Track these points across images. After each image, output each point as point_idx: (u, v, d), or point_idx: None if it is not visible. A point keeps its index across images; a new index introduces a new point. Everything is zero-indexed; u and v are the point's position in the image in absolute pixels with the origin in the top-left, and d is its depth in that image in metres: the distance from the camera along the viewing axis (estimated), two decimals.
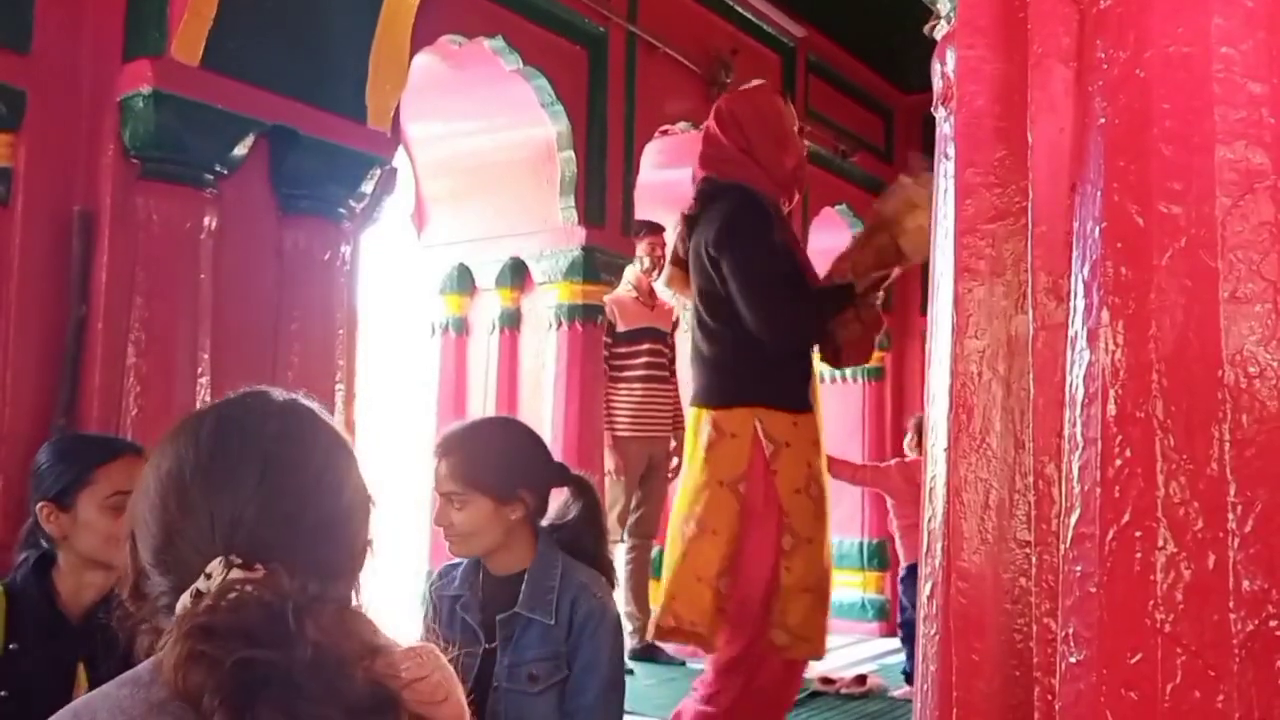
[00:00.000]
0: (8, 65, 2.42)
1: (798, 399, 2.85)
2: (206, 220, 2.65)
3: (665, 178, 5.01)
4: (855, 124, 6.09)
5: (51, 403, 2.44)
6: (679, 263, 3.04)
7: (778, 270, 2.81)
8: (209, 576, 0.83)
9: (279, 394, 0.98)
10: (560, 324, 4.32)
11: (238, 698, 0.77)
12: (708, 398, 2.85)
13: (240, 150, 2.69)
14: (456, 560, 2.06)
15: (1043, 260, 1.30)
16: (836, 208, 6.03)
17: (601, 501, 2.18)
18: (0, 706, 1.79)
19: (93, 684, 1.72)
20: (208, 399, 2.60)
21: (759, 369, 2.79)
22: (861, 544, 6.13)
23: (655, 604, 5.22)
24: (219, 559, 0.84)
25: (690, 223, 2.97)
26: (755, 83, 3.49)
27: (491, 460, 1.97)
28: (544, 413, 4.20)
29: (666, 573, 2.88)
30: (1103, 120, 1.17)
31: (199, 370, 2.59)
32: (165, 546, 0.89)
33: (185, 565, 0.86)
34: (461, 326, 4.59)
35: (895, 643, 5.59)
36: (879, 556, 6.13)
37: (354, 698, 0.80)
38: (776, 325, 2.76)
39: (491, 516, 1.94)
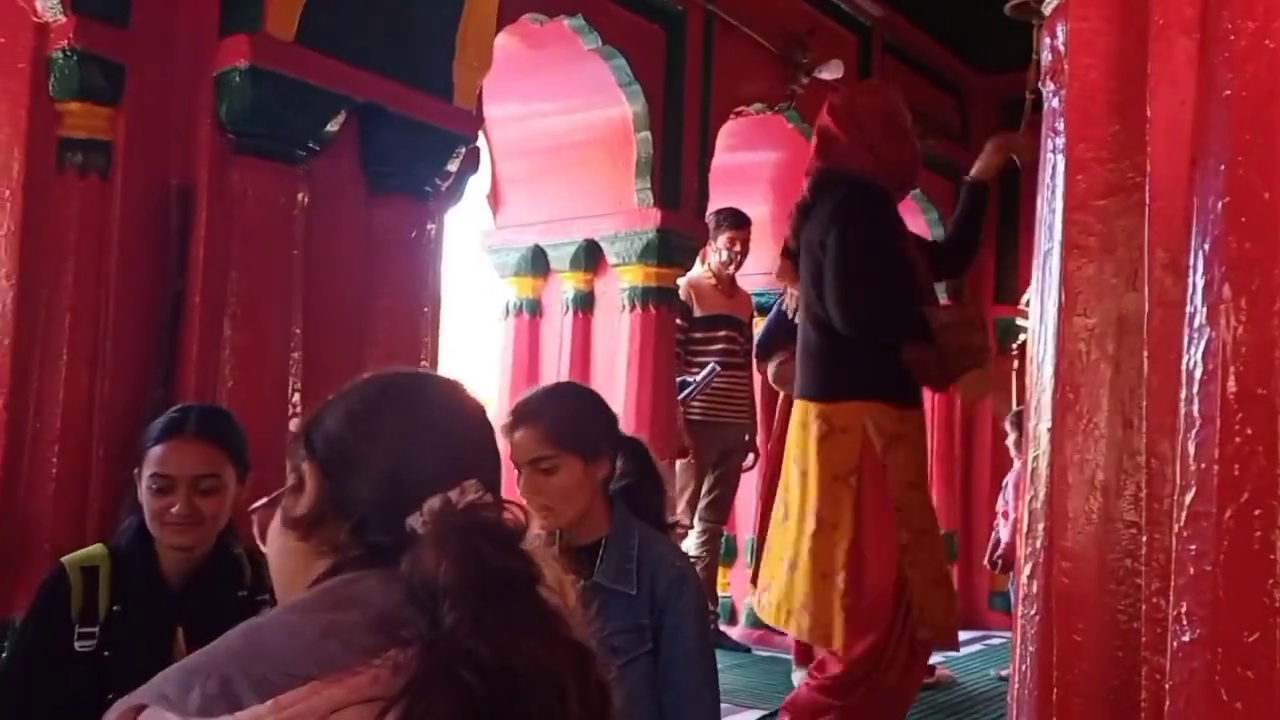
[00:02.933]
0: (108, 39, 2.48)
1: (906, 393, 2.86)
2: (299, 196, 2.70)
3: (739, 160, 5.00)
4: (931, 106, 5.99)
5: (151, 374, 2.50)
6: (789, 255, 3.05)
7: (873, 262, 2.81)
8: (464, 491, 0.86)
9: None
10: (634, 306, 4.33)
11: (484, 601, 0.80)
12: (816, 390, 2.86)
13: (332, 126, 2.73)
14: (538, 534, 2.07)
15: (1160, 236, 1.28)
16: (911, 193, 5.95)
17: (655, 460, 2.17)
18: (104, 665, 1.85)
19: (191, 649, 1.77)
20: (300, 373, 2.66)
21: (868, 362, 2.80)
22: (952, 535, 6.07)
23: (722, 589, 5.31)
24: (472, 480, 0.88)
25: (804, 212, 2.99)
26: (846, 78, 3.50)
27: (578, 418, 1.97)
28: (617, 396, 4.21)
29: (777, 567, 2.88)
30: (1228, 93, 1.15)
31: (291, 345, 2.64)
32: (395, 480, 0.91)
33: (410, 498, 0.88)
34: (535, 308, 4.62)
35: (965, 634, 5.54)
36: (949, 548, 6.06)
37: (569, 630, 0.85)
38: (847, 312, 2.77)
39: (581, 477, 1.94)
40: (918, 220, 5.65)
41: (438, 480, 0.88)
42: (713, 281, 4.81)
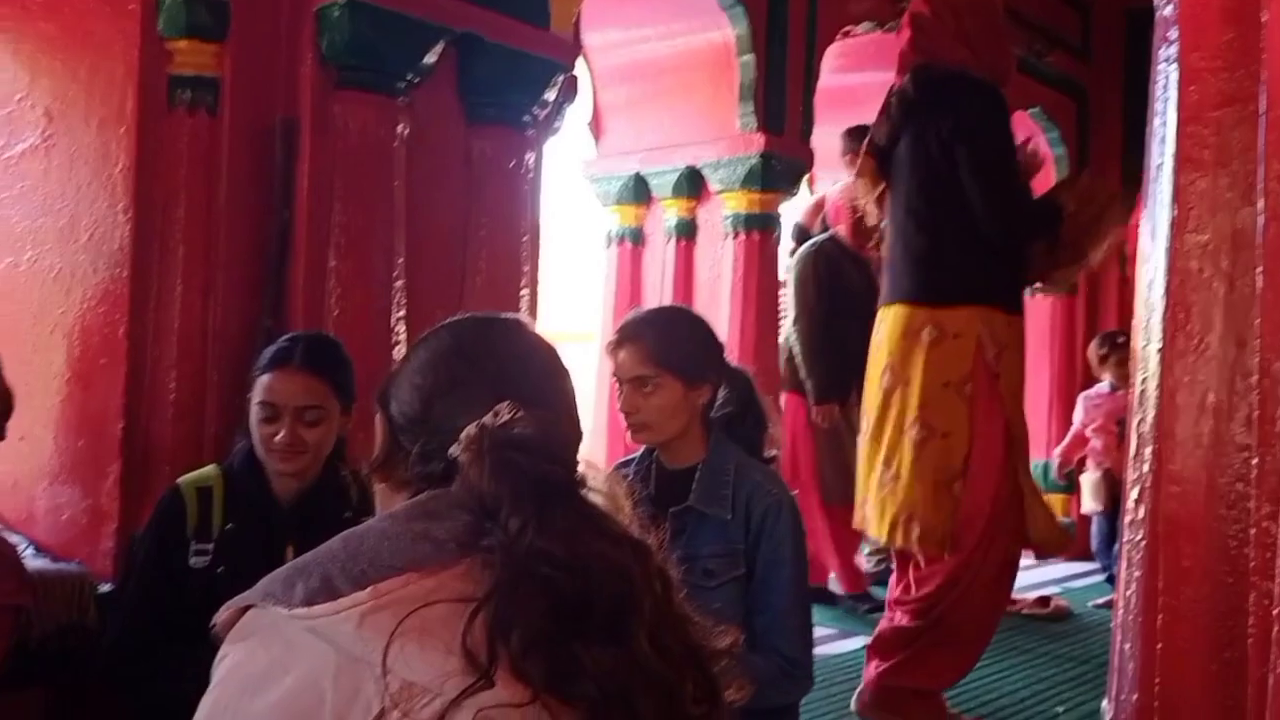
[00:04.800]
0: None
1: (1015, 300, 2.80)
2: (399, 128, 2.73)
3: (847, 81, 4.85)
4: (1051, 20, 5.71)
5: (259, 304, 2.58)
6: (876, 152, 2.93)
7: (1014, 165, 2.75)
8: (496, 415, 0.90)
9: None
10: (737, 234, 4.28)
11: (538, 506, 0.85)
12: (926, 295, 2.76)
13: (430, 58, 2.75)
14: (630, 456, 2.08)
15: (1277, 148, 1.20)
16: (1030, 111, 5.71)
17: (759, 394, 2.15)
18: (217, 581, 1.93)
19: None
20: (403, 302, 2.71)
21: (982, 266, 2.71)
22: (1046, 465, 5.92)
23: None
24: (505, 402, 0.92)
25: (905, 108, 2.86)
26: None
27: (682, 342, 1.97)
28: (719, 325, 4.17)
29: (869, 480, 2.83)
30: None
31: (394, 274, 2.69)
32: (440, 402, 0.98)
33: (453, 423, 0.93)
34: (637, 237, 4.60)
35: (1079, 566, 5.42)
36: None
37: (622, 528, 0.90)
38: (1008, 219, 2.69)
39: (681, 400, 1.94)
40: (1038, 141, 5.42)
41: (488, 403, 0.93)
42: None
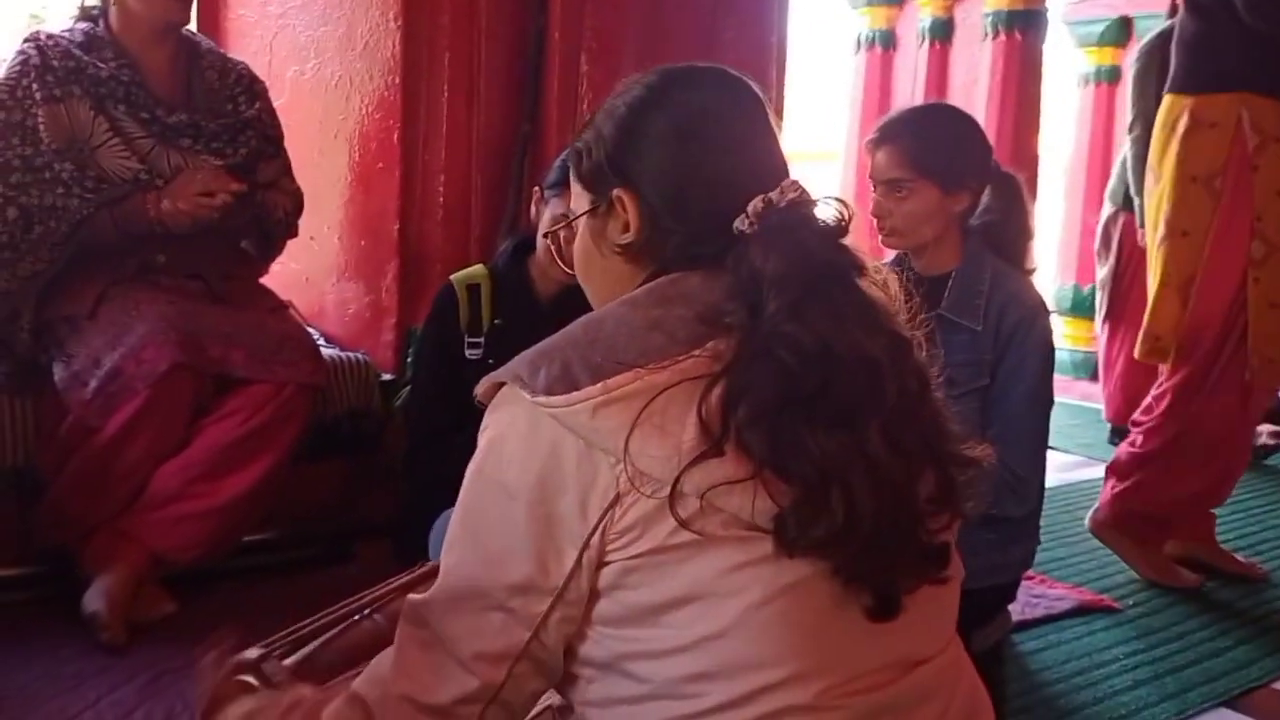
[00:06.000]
0: None
1: None
2: None
3: None
4: None
5: (518, 110, 2.66)
6: None
7: None
8: (783, 191, 0.89)
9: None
10: (997, 34, 3.99)
11: (805, 289, 0.85)
12: (1185, 82, 2.52)
13: None
14: (883, 261, 2.05)
15: None
16: None
17: (1027, 202, 2.05)
18: (489, 372, 2.09)
19: None
20: None
21: (1250, 46, 2.41)
22: None
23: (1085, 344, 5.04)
24: (791, 179, 0.92)
25: None
26: None
27: (943, 144, 1.90)
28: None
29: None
30: None
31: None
32: (718, 192, 0.93)
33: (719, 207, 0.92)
34: (889, 40, 4.40)
35: None
36: None
37: (888, 320, 0.90)
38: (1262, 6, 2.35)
39: (937, 207, 1.89)
40: None
41: (756, 182, 0.91)
42: None
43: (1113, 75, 4.95)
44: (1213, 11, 2.46)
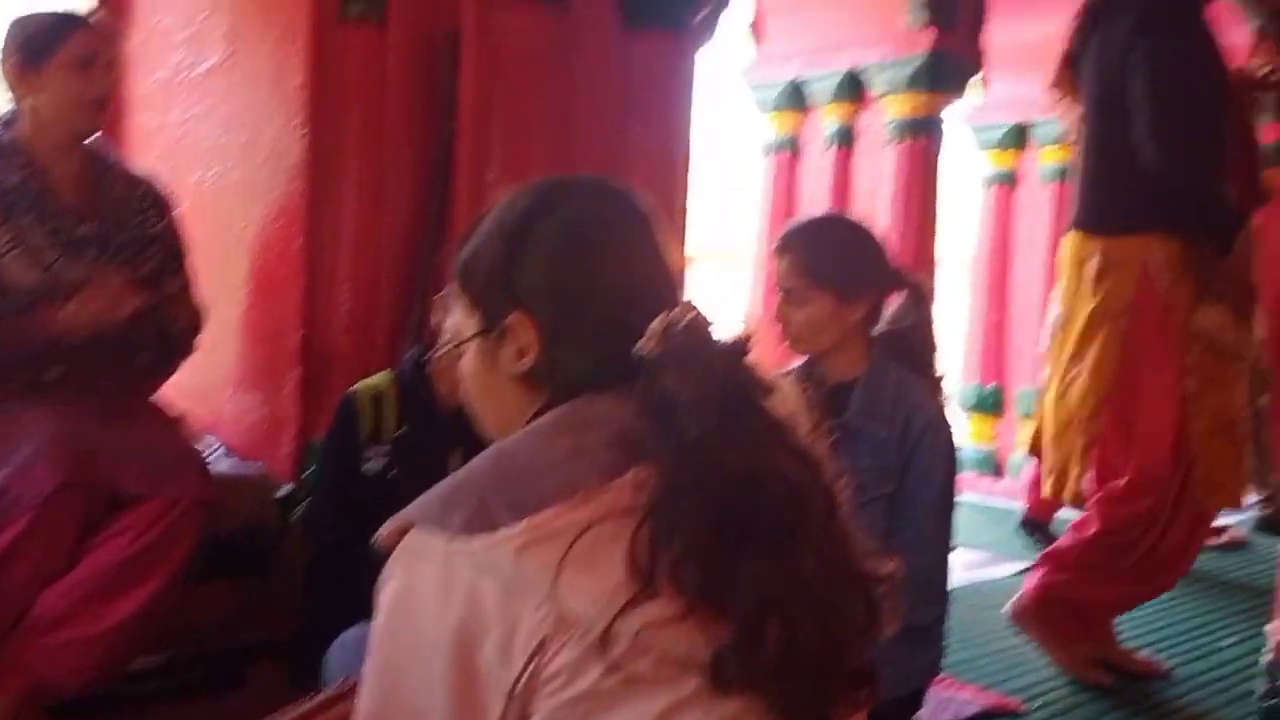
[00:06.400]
0: None
1: (1197, 225, 2.52)
2: (556, 36, 2.72)
3: None
4: None
5: (426, 216, 2.64)
6: (1070, 62, 2.72)
7: (1194, 88, 2.47)
8: (684, 310, 0.87)
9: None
10: (898, 140, 4.12)
11: (722, 413, 0.83)
12: (1093, 222, 2.60)
13: None
14: (790, 367, 2.07)
15: None
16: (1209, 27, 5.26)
17: (933, 311, 2.07)
18: (393, 483, 2.05)
19: None
20: None
21: (1155, 190, 2.47)
22: None
23: (987, 440, 5.14)
24: (689, 299, 0.90)
25: (1094, 14, 2.63)
26: None
27: (836, 256, 1.93)
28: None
29: (1048, 418, 2.73)
30: None
31: None
32: (614, 312, 0.92)
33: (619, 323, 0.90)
34: (795, 145, 4.51)
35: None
36: None
37: (798, 439, 0.88)
38: (1164, 150, 2.43)
39: (833, 315, 1.92)
40: (1234, 32, 4.99)
41: (653, 299, 0.89)
42: None
43: (1011, 179, 5.15)
44: (1115, 147, 2.53)
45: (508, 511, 0.79)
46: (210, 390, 2.68)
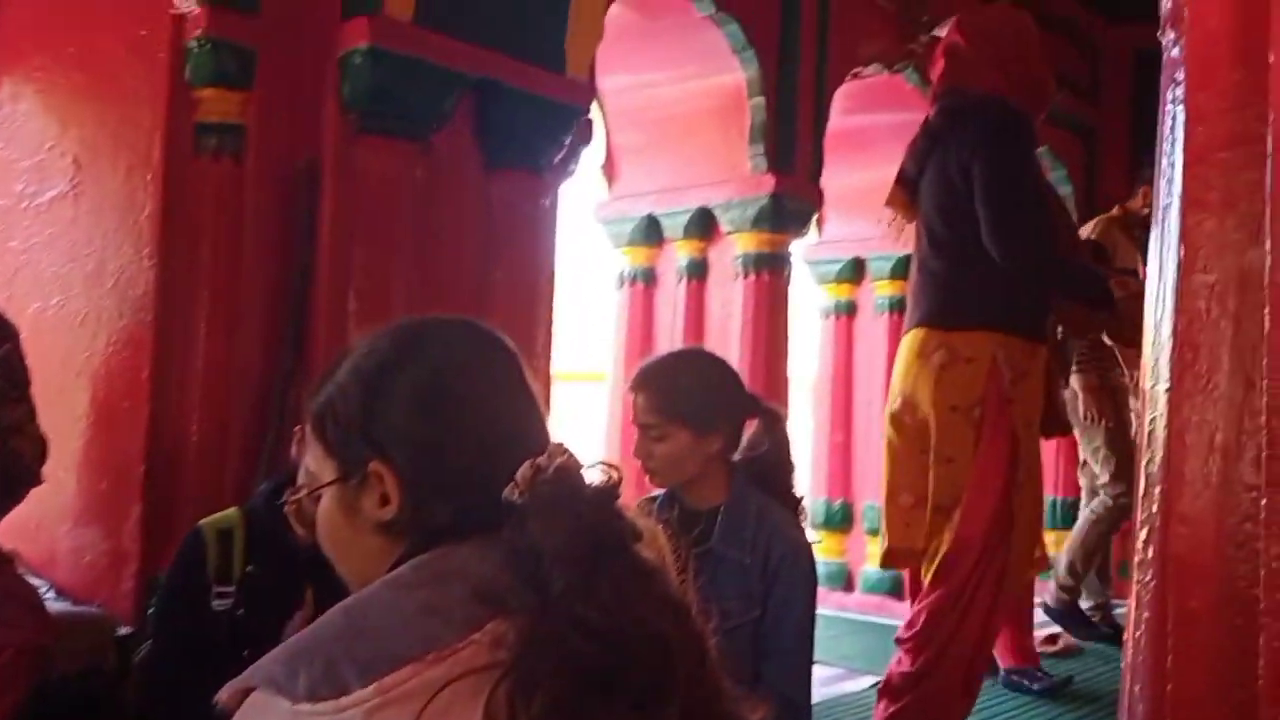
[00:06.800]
0: (239, 26, 2.59)
1: (1037, 327, 2.76)
2: (418, 173, 2.78)
3: (857, 122, 4.92)
4: (1057, 58, 5.75)
5: (281, 345, 2.62)
6: (904, 182, 2.93)
7: (1029, 190, 2.71)
8: (551, 455, 0.85)
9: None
10: (747, 274, 4.31)
11: (590, 565, 0.80)
12: (939, 319, 2.73)
13: (449, 104, 2.80)
14: (654, 494, 2.10)
15: None
16: (1037, 150, 5.76)
17: (788, 435, 2.15)
18: (240, 624, 1.96)
19: (319, 610, 1.86)
20: None
21: (1001, 291, 2.67)
22: (1055, 501, 5.91)
23: (838, 555, 5.27)
24: (556, 442, 0.88)
25: (932, 137, 2.85)
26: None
27: (690, 392, 1.99)
28: (730, 363, 4.20)
29: (892, 503, 2.83)
30: None
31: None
32: (480, 458, 0.89)
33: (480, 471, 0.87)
34: (649, 278, 4.66)
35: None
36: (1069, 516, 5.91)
37: (668, 588, 0.86)
38: (1013, 247, 2.63)
39: (691, 448, 1.97)
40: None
41: (519, 445, 0.87)
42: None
43: (850, 309, 5.41)
44: (958, 252, 2.72)
45: (357, 673, 0.74)
46: (45, 526, 2.56)
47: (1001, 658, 3.64)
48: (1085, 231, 3.79)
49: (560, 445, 0.88)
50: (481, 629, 0.78)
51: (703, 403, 1.99)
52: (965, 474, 2.66)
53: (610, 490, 0.87)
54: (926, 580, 2.72)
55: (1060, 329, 3.32)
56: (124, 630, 2.36)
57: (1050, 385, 3.11)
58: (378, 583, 0.84)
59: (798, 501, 2.12)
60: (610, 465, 0.89)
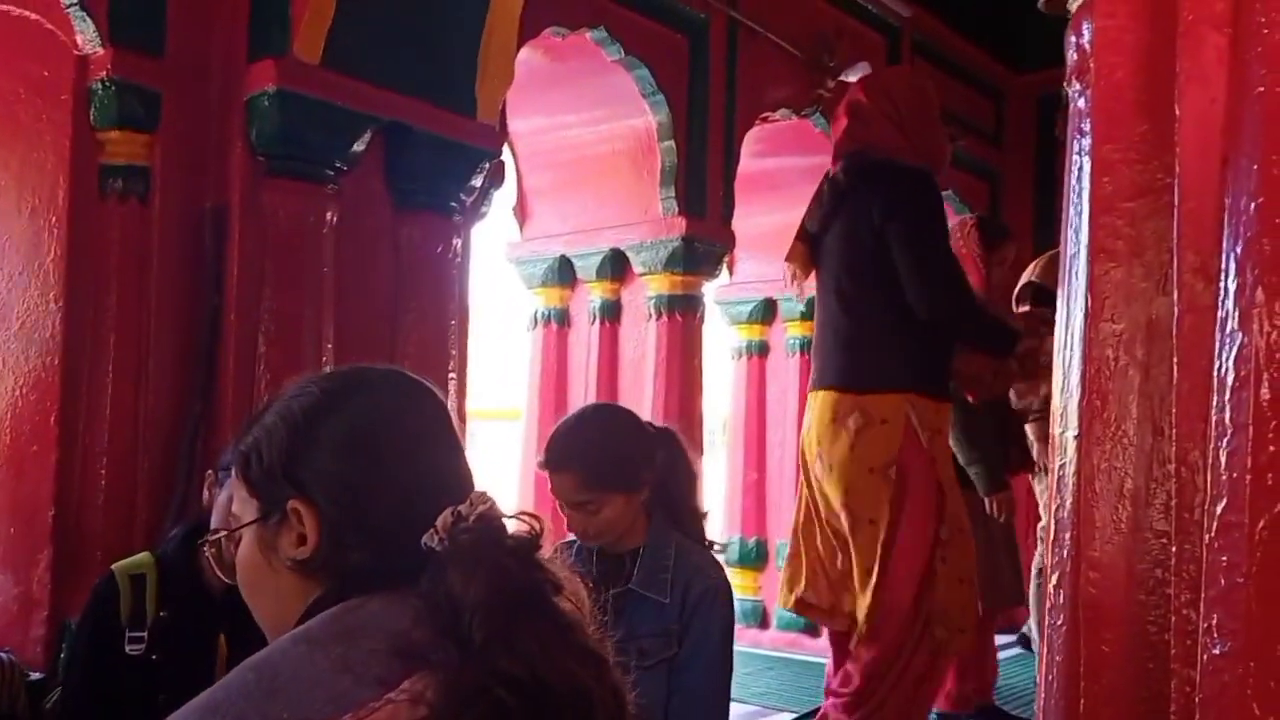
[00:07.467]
0: (144, 68, 2.54)
1: (943, 387, 2.83)
2: (328, 215, 2.74)
3: (765, 166, 5.00)
4: (963, 107, 5.94)
5: (190, 389, 2.55)
6: (806, 239, 2.97)
7: (946, 244, 2.81)
8: (473, 504, 0.85)
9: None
10: (660, 315, 4.34)
11: (511, 618, 0.80)
12: (853, 382, 2.76)
13: (359, 146, 2.77)
14: (570, 538, 2.08)
15: (1190, 239, 1.24)
16: (943, 195, 5.93)
17: (686, 450, 2.14)
18: (153, 669, 1.92)
19: (233, 655, 1.81)
20: None
21: (911, 352, 2.73)
22: None
23: (753, 593, 5.29)
24: (479, 490, 0.88)
25: (838, 195, 2.89)
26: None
27: (614, 460, 1.98)
28: (644, 404, 4.22)
29: (803, 561, 2.86)
30: (1261, 89, 1.09)
31: (324, 359, 2.68)
32: (404, 503, 0.89)
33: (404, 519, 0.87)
34: (562, 318, 4.65)
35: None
36: None
37: (588, 639, 0.87)
38: (940, 300, 2.71)
39: (625, 508, 1.97)
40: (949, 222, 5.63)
41: (441, 492, 0.87)
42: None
43: (762, 349, 5.48)
44: (867, 313, 2.77)
45: None
46: None
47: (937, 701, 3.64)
48: (1029, 271, 3.88)
49: (482, 494, 0.88)
50: (398, 686, 0.76)
51: (624, 466, 1.99)
52: (888, 534, 2.68)
53: (531, 541, 0.87)
54: (855, 642, 2.74)
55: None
56: (35, 676, 2.30)
57: (1016, 428, 3.34)
58: (287, 637, 0.82)
59: (703, 517, 2.13)
60: (531, 515, 0.89)
